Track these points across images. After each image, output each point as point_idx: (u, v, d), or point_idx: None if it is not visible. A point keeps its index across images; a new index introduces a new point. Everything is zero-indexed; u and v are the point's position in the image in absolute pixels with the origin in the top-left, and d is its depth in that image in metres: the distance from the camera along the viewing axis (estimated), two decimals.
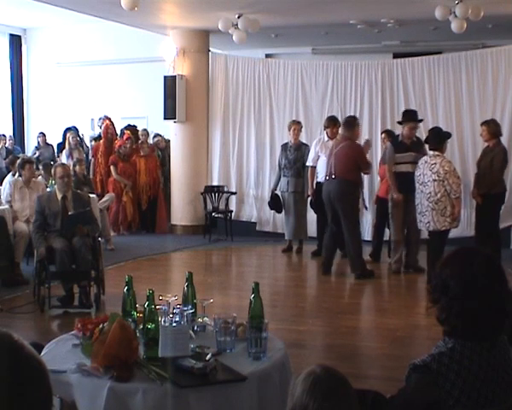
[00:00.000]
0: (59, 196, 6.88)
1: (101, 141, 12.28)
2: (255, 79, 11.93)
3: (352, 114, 11.21)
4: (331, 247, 8.65)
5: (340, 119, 9.80)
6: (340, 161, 8.31)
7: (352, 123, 8.61)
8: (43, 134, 13.78)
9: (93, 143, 12.89)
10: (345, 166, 8.28)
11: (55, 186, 7.16)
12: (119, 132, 12.66)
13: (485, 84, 10.69)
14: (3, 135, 13.55)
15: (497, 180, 8.53)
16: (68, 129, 13.52)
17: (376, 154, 10.78)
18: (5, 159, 12.16)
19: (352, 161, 8.32)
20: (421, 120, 8.95)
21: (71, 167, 8.81)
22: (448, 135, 8.11)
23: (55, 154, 13.48)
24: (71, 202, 6.88)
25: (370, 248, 9.52)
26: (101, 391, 2.78)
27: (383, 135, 9.88)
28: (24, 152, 13.77)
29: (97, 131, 13.50)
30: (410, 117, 8.63)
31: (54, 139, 13.86)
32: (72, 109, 14.55)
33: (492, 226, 8.57)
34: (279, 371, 3.09)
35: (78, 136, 12.97)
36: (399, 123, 8.81)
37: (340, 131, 9.10)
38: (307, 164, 9.72)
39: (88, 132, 14.04)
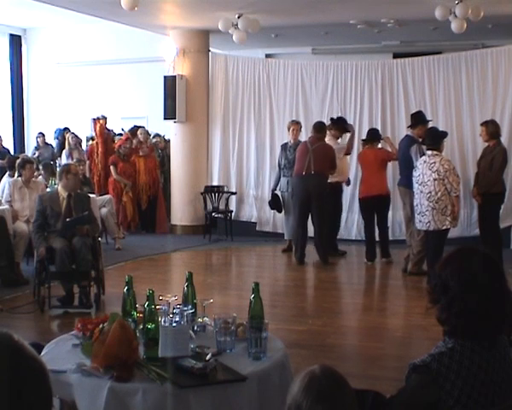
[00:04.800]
0: (64, 195, 6.85)
1: (97, 141, 12.12)
2: (255, 79, 11.92)
3: (352, 114, 11.28)
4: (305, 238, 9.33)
5: None
6: (319, 159, 9.03)
7: (322, 128, 9.38)
8: (42, 134, 13.77)
9: (89, 142, 12.84)
10: (323, 164, 9.04)
11: (57, 186, 7.14)
12: (120, 132, 12.64)
13: (485, 84, 10.68)
14: None
15: (497, 180, 8.53)
16: (60, 130, 13.52)
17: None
18: (2, 159, 12.13)
19: (329, 160, 9.11)
20: (430, 121, 8.99)
21: None
22: (445, 134, 8.16)
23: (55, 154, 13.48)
24: (74, 200, 6.87)
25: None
26: (101, 391, 2.78)
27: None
28: (24, 152, 13.76)
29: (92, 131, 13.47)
30: (424, 119, 8.81)
31: (54, 139, 13.87)
32: (72, 109, 14.54)
33: (492, 226, 8.57)
34: (279, 371, 3.09)
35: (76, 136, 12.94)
36: (410, 127, 8.78)
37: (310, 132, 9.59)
38: None
39: (85, 133, 13.94)
